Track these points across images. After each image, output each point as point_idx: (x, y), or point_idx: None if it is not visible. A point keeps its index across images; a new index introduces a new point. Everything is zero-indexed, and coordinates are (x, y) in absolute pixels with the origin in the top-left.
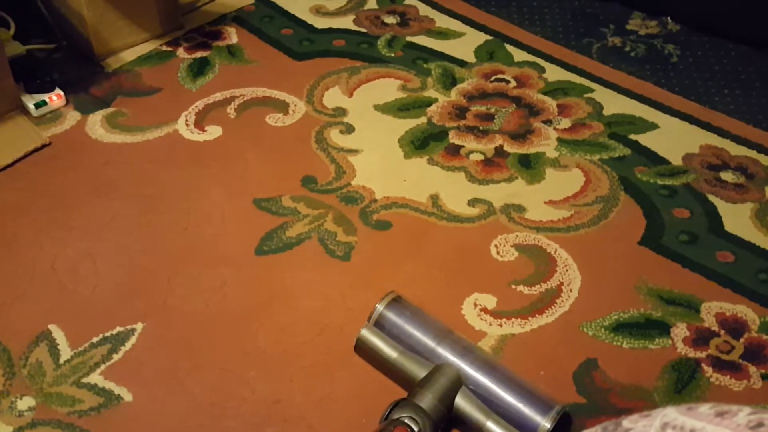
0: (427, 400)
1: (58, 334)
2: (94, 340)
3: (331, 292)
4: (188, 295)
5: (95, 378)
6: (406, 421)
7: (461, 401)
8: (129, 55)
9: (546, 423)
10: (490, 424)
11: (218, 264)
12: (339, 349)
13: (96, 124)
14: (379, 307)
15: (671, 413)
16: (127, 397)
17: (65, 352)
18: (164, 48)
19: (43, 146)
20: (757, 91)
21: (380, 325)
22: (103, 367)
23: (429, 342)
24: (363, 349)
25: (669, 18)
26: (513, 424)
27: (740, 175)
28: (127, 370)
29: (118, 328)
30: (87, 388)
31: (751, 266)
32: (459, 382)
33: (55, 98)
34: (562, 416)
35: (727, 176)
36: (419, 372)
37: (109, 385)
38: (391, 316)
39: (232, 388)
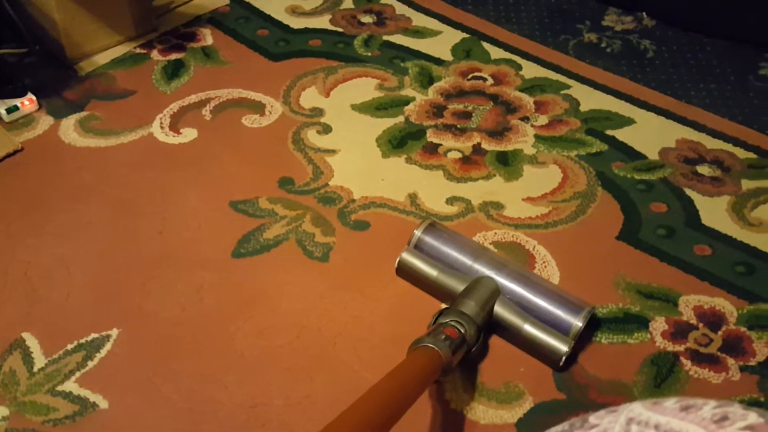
0: (469, 307)
1: (32, 342)
2: (69, 347)
3: (309, 293)
4: (164, 299)
5: (70, 386)
6: (452, 323)
7: (500, 308)
8: (102, 58)
9: (578, 322)
10: (527, 327)
11: (194, 268)
12: (318, 351)
13: (69, 129)
14: (417, 232)
15: (637, 408)
16: (103, 404)
17: (39, 360)
18: (138, 50)
19: (16, 152)
20: (732, 85)
21: (419, 248)
22: (78, 374)
23: (466, 259)
24: (405, 271)
25: (644, 13)
26: (549, 326)
27: (716, 168)
28: (103, 377)
29: (93, 335)
30: (62, 396)
31: (728, 259)
32: (497, 291)
33: (27, 103)
34: (592, 317)
35: (703, 170)
36: (459, 285)
37: (85, 393)
38: (429, 239)
39: (210, 392)
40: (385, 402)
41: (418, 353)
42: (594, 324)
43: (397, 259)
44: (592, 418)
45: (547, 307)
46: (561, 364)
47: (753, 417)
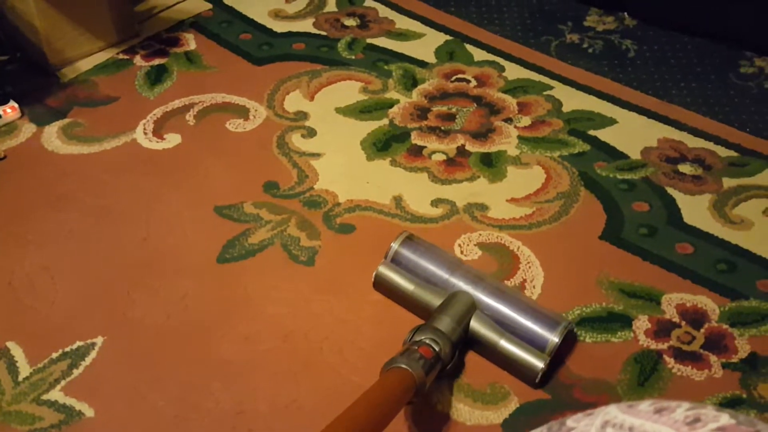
0: (445, 323)
1: (17, 351)
2: (54, 355)
3: (295, 298)
4: (149, 306)
5: (55, 394)
6: (427, 341)
7: (476, 324)
8: (84, 64)
9: (554, 338)
10: (503, 343)
11: (179, 274)
12: (304, 355)
13: (52, 136)
14: (394, 245)
15: (612, 411)
16: (89, 412)
17: (24, 369)
18: (121, 56)
19: None
20: (712, 84)
21: (396, 261)
22: (63, 383)
23: (443, 273)
24: (381, 284)
25: (625, 13)
26: (525, 341)
27: (698, 167)
28: (88, 385)
29: (78, 343)
30: (47, 405)
31: (709, 257)
32: (473, 306)
33: (9, 111)
34: (569, 332)
35: (685, 168)
36: (435, 300)
37: (70, 401)
38: (406, 252)
39: (196, 399)
40: (358, 425)
41: (391, 374)
42: (572, 339)
43: (374, 273)
44: (570, 421)
45: (523, 322)
46: (537, 380)
47: (725, 418)
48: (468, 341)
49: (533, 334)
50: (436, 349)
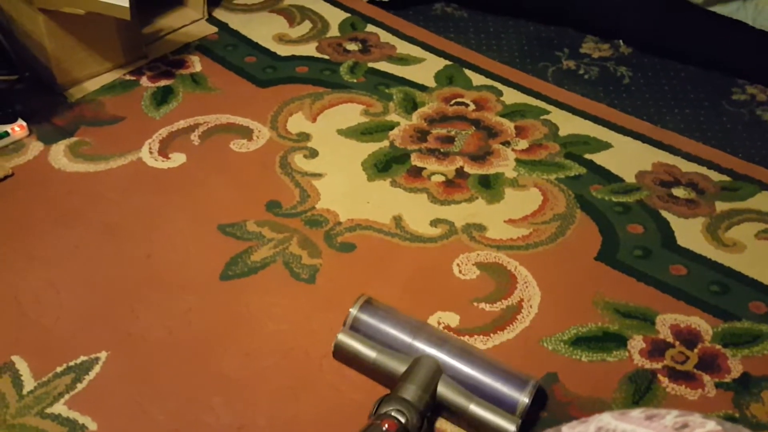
0: (410, 392)
1: (22, 365)
2: (58, 369)
3: (296, 315)
4: (152, 322)
5: (59, 408)
6: (393, 413)
7: (443, 389)
8: (92, 84)
9: (524, 398)
10: (473, 407)
11: (182, 290)
12: (304, 372)
13: (59, 154)
14: (353, 311)
15: (605, 418)
16: (92, 426)
17: (29, 383)
18: (127, 77)
19: (6, 177)
20: (705, 110)
21: (356, 328)
22: (67, 396)
23: (405, 337)
24: (342, 354)
25: (621, 41)
26: (494, 403)
27: (691, 190)
28: (92, 399)
29: (82, 357)
30: (51, 418)
31: (703, 278)
32: (439, 371)
33: (18, 129)
34: (538, 390)
35: (678, 192)
36: (400, 367)
37: (74, 415)
38: (366, 317)
39: (196, 414)
40: None
41: None
42: (541, 397)
43: (333, 342)
44: (565, 428)
45: (491, 383)
46: None
47: (711, 425)
48: (436, 407)
49: (502, 395)
50: (403, 420)
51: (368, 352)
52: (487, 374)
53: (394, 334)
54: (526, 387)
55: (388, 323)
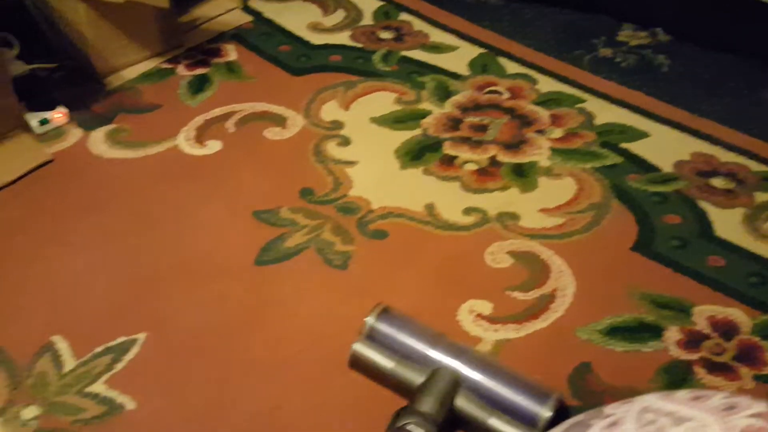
0: (428, 405)
1: (62, 345)
2: (98, 350)
3: (328, 301)
4: (187, 306)
5: (98, 387)
6: (410, 428)
7: (462, 402)
8: (130, 72)
9: (546, 412)
10: (492, 421)
11: (217, 275)
12: (336, 357)
13: (98, 141)
14: (370, 320)
15: (650, 398)
16: (130, 405)
17: (69, 363)
18: (164, 65)
19: (46, 163)
20: (745, 99)
21: (372, 338)
22: (106, 376)
23: (423, 348)
24: (358, 364)
25: (660, 29)
26: (515, 417)
27: (730, 180)
28: (130, 379)
29: (121, 338)
30: (90, 397)
31: (741, 270)
32: (457, 383)
33: (58, 116)
34: (560, 404)
35: (717, 182)
36: (417, 378)
37: (112, 394)
38: (383, 327)
39: (230, 396)
40: None
41: None
42: (562, 411)
43: (350, 351)
44: (608, 409)
45: (512, 397)
46: None
47: (762, 406)
48: (455, 420)
49: (523, 409)
50: None
51: (385, 362)
52: (507, 387)
53: (411, 344)
54: (547, 400)
55: (406, 333)
